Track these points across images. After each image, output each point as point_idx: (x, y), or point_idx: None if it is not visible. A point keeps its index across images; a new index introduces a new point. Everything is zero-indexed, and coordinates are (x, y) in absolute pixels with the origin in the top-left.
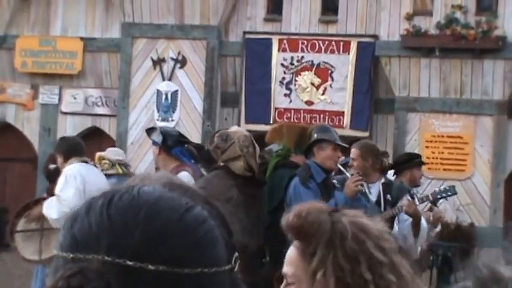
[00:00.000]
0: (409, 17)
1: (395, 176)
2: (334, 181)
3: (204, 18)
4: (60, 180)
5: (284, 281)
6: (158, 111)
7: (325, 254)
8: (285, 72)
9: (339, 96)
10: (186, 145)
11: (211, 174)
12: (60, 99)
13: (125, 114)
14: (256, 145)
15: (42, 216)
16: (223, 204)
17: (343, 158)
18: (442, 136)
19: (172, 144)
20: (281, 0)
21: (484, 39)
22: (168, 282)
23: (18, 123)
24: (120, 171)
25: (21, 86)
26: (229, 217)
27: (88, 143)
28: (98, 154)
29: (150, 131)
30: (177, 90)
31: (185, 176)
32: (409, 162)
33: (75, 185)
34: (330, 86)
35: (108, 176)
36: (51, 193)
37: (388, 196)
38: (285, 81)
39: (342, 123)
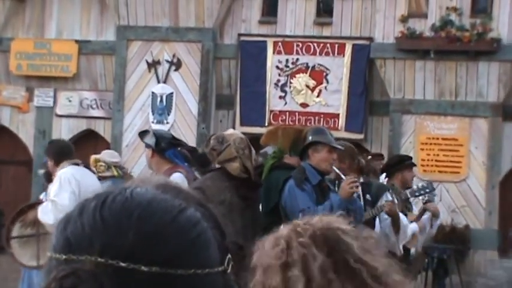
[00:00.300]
0: (404, 19)
1: (387, 178)
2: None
3: (199, 21)
4: (55, 185)
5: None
6: (153, 113)
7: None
8: (280, 75)
9: (334, 99)
10: (179, 148)
11: (206, 176)
12: (55, 102)
13: (119, 117)
14: (252, 148)
15: (38, 221)
16: (217, 206)
17: None
18: (437, 138)
19: (165, 147)
20: (276, 3)
21: (479, 41)
22: (161, 283)
23: (13, 126)
24: (116, 173)
25: (16, 88)
26: (222, 219)
27: (83, 146)
28: (93, 157)
29: (143, 134)
30: (172, 93)
31: (178, 178)
32: (399, 165)
33: (70, 189)
34: (325, 88)
35: (103, 178)
36: None
37: (368, 196)
38: (280, 84)
39: (337, 125)
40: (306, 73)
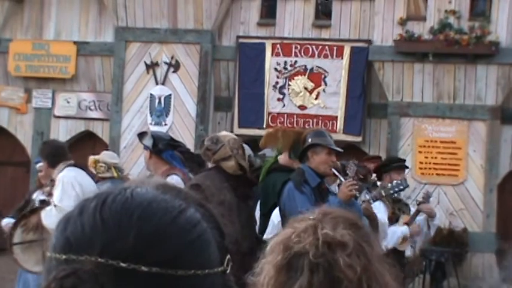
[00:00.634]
0: (403, 22)
1: (377, 179)
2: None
3: (197, 23)
4: (57, 189)
5: None
6: (151, 115)
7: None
8: (278, 77)
9: (332, 101)
10: (176, 149)
11: (202, 174)
12: (53, 103)
13: (118, 119)
14: (246, 148)
15: (41, 226)
16: (216, 206)
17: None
18: (435, 141)
19: (163, 148)
20: (275, 5)
21: (478, 44)
22: (161, 284)
23: (11, 127)
24: (116, 174)
25: (14, 89)
26: (221, 219)
27: (81, 147)
28: (92, 157)
29: (141, 135)
30: (170, 95)
31: (175, 180)
32: (388, 166)
33: (74, 192)
34: (323, 90)
35: (103, 179)
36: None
37: None
38: (278, 86)
39: (335, 127)
40: (305, 75)
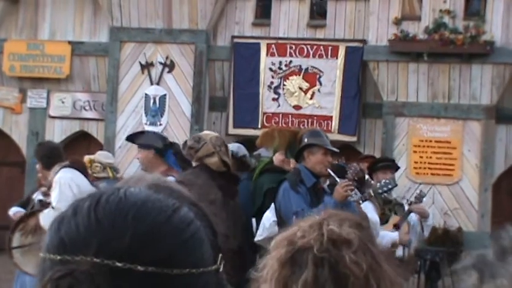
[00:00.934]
0: (398, 22)
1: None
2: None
3: (192, 23)
4: (55, 191)
5: None
6: (146, 115)
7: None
8: (273, 77)
9: (327, 101)
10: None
11: (189, 172)
12: (48, 103)
13: (113, 119)
14: (228, 146)
15: (39, 228)
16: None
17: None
18: (430, 141)
19: (165, 149)
20: (269, 5)
21: (472, 44)
22: (157, 283)
23: (6, 127)
24: (111, 174)
25: (9, 89)
26: (213, 218)
27: (76, 147)
28: (88, 157)
29: (136, 135)
30: (165, 95)
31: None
32: (374, 166)
33: (71, 194)
34: (318, 90)
35: (98, 179)
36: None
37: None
38: (273, 86)
39: (330, 127)
40: (299, 75)
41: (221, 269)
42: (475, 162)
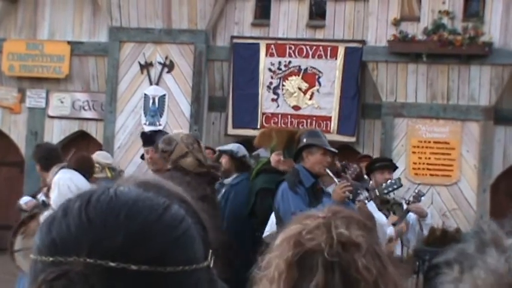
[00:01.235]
0: (397, 23)
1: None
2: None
3: (191, 23)
4: (54, 192)
5: None
6: (145, 115)
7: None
8: (272, 77)
9: (326, 101)
10: None
11: (165, 175)
12: (47, 103)
13: (112, 119)
14: (200, 142)
15: None
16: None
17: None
18: (429, 142)
19: None
20: (269, 5)
21: (471, 45)
22: (151, 281)
23: (5, 127)
24: (109, 175)
25: (8, 89)
26: (203, 214)
27: (75, 147)
28: None
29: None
30: (164, 95)
31: None
32: (372, 166)
33: (71, 194)
34: (317, 91)
35: (96, 179)
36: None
37: None
38: (272, 86)
39: (329, 128)
40: (299, 76)
41: (211, 265)
42: (474, 163)
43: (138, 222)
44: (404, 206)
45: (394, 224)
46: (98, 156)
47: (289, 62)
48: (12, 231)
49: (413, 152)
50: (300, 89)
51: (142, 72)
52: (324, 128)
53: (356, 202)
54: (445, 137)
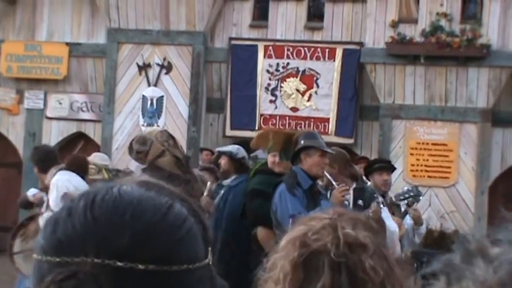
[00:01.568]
0: (394, 25)
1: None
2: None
3: (189, 24)
4: (52, 194)
5: None
6: (143, 116)
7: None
8: (270, 79)
9: (324, 103)
10: None
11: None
12: (45, 104)
13: (110, 120)
14: (175, 138)
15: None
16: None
17: None
18: (427, 143)
19: None
20: (267, 7)
21: (469, 47)
22: (157, 280)
23: (3, 128)
24: (106, 176)
25: (6, 90)
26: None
27: (73, 149)
28: None
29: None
30: (162, 96)
31: None
32: (370, 167)
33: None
34: (315, 92)
35: (93, 181)
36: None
37: (360, 201)
38: (270, 88)
39: (327, 129)
40: (297, 77)
41: (211, 262)
42: (472, 165)
43: (144, 221)
44: (403, 208)
45: None
46: (95, 158)
47: (287, 63)
48: (11, 233)
49: (411, 154)
50: (298, 90)
51: (140, 74)
52: (322, 130)
53: (372, 206)
54: (443, 139)
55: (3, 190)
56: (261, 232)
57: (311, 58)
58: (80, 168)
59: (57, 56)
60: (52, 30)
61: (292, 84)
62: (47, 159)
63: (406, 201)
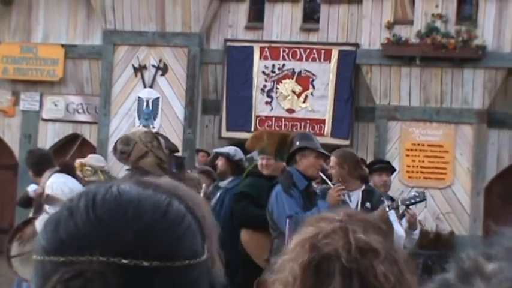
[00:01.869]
0: (390, 26)
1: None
2: (317, 190)
3: (185, 26)
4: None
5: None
6: (139, 118)
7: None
8: (266, 80)
9: (320, 104)
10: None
11: (126, 176)
12: (41, 106)
13: (106, 122)
14: (160, 138)
15: (36, 236)
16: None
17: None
18: (423, 145)
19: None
20: (262, 8)
21: (464, 48)
22: (161, 276)
23: None
24: (102, 178)
25: (2, 92)
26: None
27: (68, 150)
28: (79, 161)
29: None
30: (158, 98)
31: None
32: (369, 168)
33: (65, 198)
34: (311, 94)
35: (89, 182)
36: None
37: (368, 204)
38: (266, 89)
39: (322, 131)
40: (292, 79)
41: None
42: (467, 166)
43: (146, 219)
44: (401, 210)
45: None
46: (91, 160)
47: (283, 65)
48: (8, 237)
49: (407, 155)
50: (293, 92)
51: (136, 75)
52: (318, 131)
53: (385, 208)
54: (439, 140)
55: None
56: (243, 234)
57: (307, 59)
58: (72, 170)
59: (53, 58)
60: (48, 32)
61: (288, 85)
62: (41, 162)
63: (414, 206)
